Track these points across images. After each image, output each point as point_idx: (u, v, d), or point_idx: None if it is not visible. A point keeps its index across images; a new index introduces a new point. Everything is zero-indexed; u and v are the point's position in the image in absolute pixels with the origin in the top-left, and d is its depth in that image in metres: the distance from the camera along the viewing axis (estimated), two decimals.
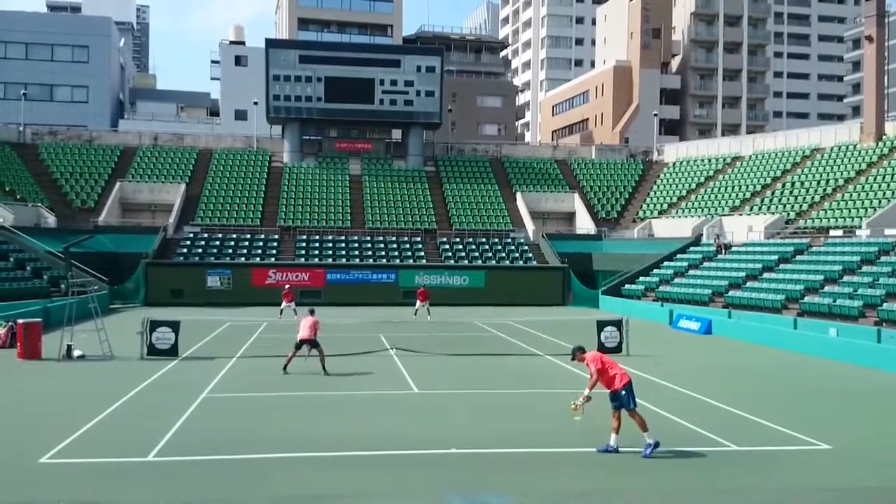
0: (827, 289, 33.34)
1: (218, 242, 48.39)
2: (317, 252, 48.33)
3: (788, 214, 46.39)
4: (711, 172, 57.40)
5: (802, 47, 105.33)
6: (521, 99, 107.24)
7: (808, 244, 40.25)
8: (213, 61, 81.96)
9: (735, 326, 31.66)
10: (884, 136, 48.33)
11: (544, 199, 57.04)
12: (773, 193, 49.91)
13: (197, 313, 35.15)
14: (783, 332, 28.73)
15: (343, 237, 50.48)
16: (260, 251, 48.03)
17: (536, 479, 11.67)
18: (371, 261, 47.82)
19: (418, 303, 36.94)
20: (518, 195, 56.65)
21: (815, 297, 32.78)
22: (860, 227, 39.84)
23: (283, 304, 36.04)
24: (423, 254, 49.27)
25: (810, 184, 48.67)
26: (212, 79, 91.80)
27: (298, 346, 20.60)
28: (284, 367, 20.47)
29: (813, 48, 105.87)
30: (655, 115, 67.20)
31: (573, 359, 13.30)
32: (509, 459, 12.68)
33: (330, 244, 49.30)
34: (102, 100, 70.09)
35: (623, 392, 12.67)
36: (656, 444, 12.59)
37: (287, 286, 39.76)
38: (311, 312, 21.63)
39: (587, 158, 63.21)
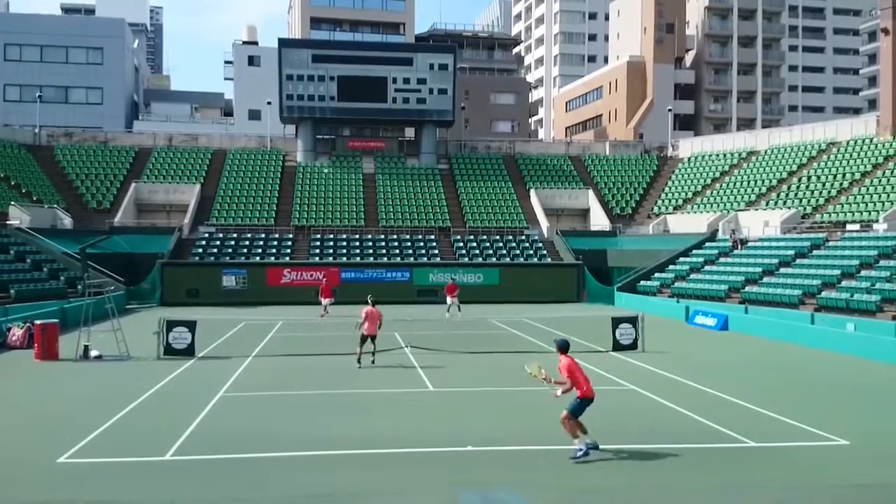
0: (844, 283, 33.09)
1: (233, 242, 48.59)
2: (331, 251, 48.42)
3: (805, 209, 46.07)
4: (727, 167, 57.09)
5: (817, 40, 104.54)
6: (535, 95, 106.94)
7: (824, 239, 39.95)
8: (226, 62, 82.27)
9: (752, 322, 31.48)
10: None
11: (558, 195, 56.89)
12: (789, 188, 49.58)
13: (213, 313, 35.33)
14: (800, 328, 28.56)
15: (357, 236, 50.55)
16: (274, 250, 48.16)
17: (551, 476, 11.65)
18: (385, 259, 47.85)
19: (448, 299, 36.66)
20: (532, 192, 56.52)
21: (832, 292, 32.55)
22: (877, 221, 39.49)
23: (323, 300, 36.45)
24: (437, 252, 49.26)
25: (826, 178, 48.32)
26: (225, 79, 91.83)
27: (364, 339, 21.21)
28: (358, 361, 21.31)
29: (828, 41, 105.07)
30: (670, 110, 66.95)
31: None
32: (525, 457, 12.67)
33: (344, 243, 49.40)
34: (117, 101, 70.49)
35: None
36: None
37: (324, 279, 40.05)
38: (373, 304, 21.85)
39: (601, 154, 63.00)
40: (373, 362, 21.57)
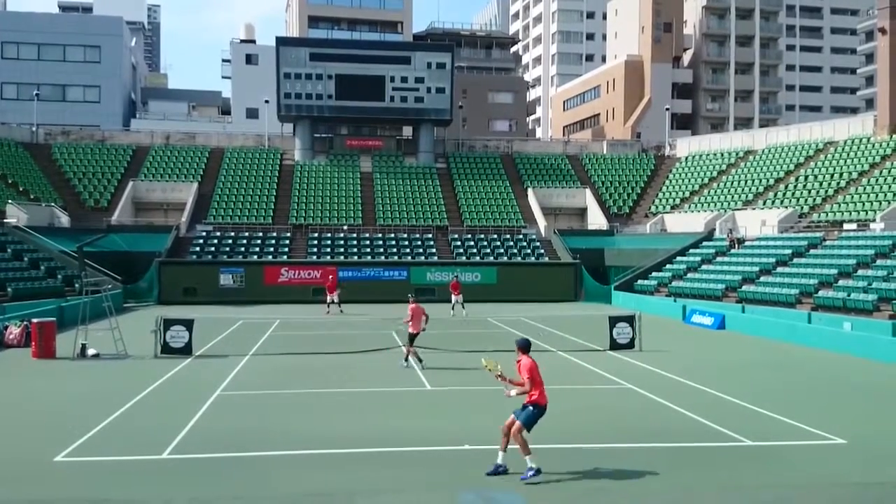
0: (841, 283, 33.12)
1: (230, 241, 48.55)
2: (328, 249, 48.39)
3: (802, 208, 46.12)
4: (724, 167, 57.12)
5: (815, 40, 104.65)
6: (532, 94, 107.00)
7: (821, 238, 40.00)
8: (224, 60, 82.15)
9: (749, 321, 31.50)
10: None
11: (556, 194, 56.88)
12: (786, 187, 49.63)
13: (210, 311, 35.24)
14: (797, 327, 28.58)
15: (354, 234, 50.53)
16: (272, 249, 48.13)
17: (550, 476, 11.63)
18: (383, 258, 47.83)
19: (453, 297, 36.89)
20: (529, 191, 56.53)
21: (829, 292, 32.57)
22: (874, 221, 39.53)
23: (329, 296, 36.57)
24: (434, 251, 49.23)
25: (824, 177, 48.36)
26: (223, 77, 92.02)
27: (413, 338, 21.05)
28: (406, 359, 21.12)
29: (826, 41, 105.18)
30: (667, 109, 66.94)
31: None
32: None
33: (341, 241, 49.38)
34: (114, 99, 70.38)
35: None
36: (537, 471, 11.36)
37: (330, 276, 39.96)
38: (417, 301, 21.78)
39: (598, 153, 63.00)
40: (422, 365, 21.05)
